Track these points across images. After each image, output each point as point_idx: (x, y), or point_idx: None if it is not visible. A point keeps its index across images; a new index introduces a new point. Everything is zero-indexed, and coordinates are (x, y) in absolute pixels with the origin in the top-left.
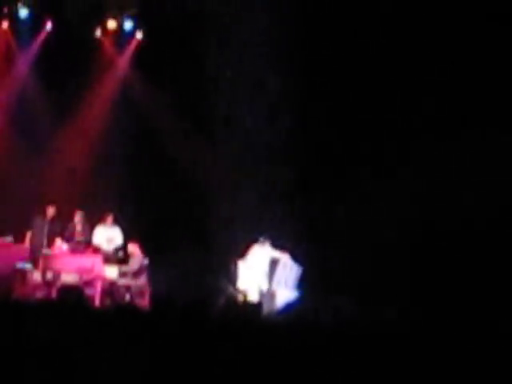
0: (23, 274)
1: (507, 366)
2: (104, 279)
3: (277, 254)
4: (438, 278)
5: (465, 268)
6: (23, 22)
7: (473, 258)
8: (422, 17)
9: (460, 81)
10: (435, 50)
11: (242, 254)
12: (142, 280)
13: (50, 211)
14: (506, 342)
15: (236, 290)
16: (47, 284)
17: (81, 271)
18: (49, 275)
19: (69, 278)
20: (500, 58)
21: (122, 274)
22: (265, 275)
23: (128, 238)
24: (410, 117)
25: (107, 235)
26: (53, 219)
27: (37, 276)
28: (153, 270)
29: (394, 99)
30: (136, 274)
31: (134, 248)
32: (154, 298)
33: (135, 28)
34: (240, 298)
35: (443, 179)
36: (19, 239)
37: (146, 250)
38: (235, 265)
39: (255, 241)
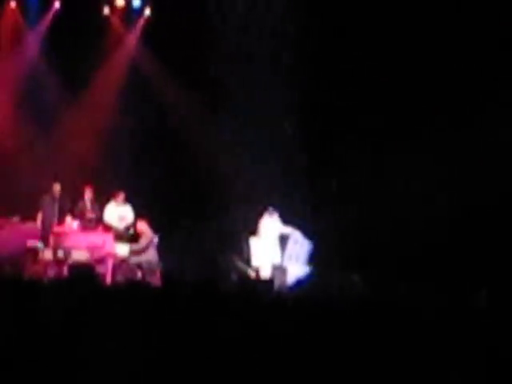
0: (34, 252)
1: None
2: (115, 257)
3: (287, 229)
4: (451, 254)
5: (479, 244)
6: (31, 0)
7: (490, 234)
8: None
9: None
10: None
11: (254, 230)
12: (153, 257)
13: (56, 188)
14: None
15: (248, 266)
16: (58, 262)
17: (92, 249)
18: (60, 253)
19: (80, 255)
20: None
21: (133, 253)
22: (276, 251)
23: (139, 215)
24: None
25: (119, 213)
26: (61, 196)
27: (48, 254)
28: (164, 247)
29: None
30: (143, 251)
31: (143, 226)
32: (165, 275)
33: (143, 5)
34: (252, 274)
35: (459, 159)
36: (30, 218)
37: (157, 227)
38: (247, 241)
39: (264, 211)
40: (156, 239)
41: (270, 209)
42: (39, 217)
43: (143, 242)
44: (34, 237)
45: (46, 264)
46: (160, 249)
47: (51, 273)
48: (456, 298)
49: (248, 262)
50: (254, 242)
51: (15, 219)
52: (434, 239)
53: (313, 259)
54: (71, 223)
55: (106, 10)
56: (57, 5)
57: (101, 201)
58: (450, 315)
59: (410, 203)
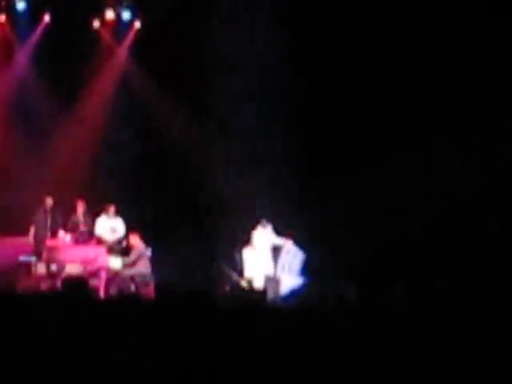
0: (28, 266)
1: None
2: (108, 270)
3: (280, 240)
4: (442, 263)
5: (470, 252)
6: (21, 14)
7: (475, 240)
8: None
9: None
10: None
11: (247, 240)
12: (146, 269)
13: (48, 201)
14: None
15: (241, 277)
16: (52, 276)
17: (85, 262)
18: (53, 267)
19: (73, 269)
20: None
21: (124, 266)
22: (269, 261)
23: (130, 227)
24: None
25: (110, 226)
26: (54, 210)
27: (41, 268)
28: (157, 259)
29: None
30: (133, 264)
31: (134, 239)
32: (158, 287)
33: (133, 18)
34: (244, 284)
35: (446, 165)
36: (23, 232)
37: (149, 240)
38: (240, 252)
39: (257, 223)
40: (149, 252)
41: (264, 221)
42: (32, 231)
43: (132, 256)
44: (26, 251)
45: (39, 278)
46: (153, 261)
47: (44, 287)
48: (449, 306)
49: (241, 273)
50: (246, 253)
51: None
52: (426, 247)
53: (306, 270)
54: (64, 237)
55: (96, 23)
56: (47, 18)
57: (93, 214)
58: (445, 324)
59: (402, 212)
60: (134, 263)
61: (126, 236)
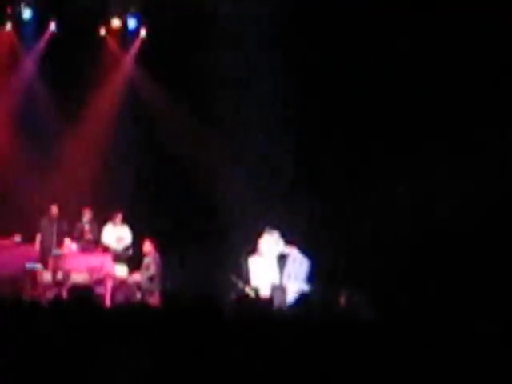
0: (33, 274)
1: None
2: (114, 278)
3: (286, 248)
4: (449, 271)
5: (472, 261)
6: (27, 22)
7: (482, 251)
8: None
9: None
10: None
11: (253, 249)
12: (156, 275)
13: (54, 210)
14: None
15: (247, 285)
16: (57, 284)
17: (91, 270)
18: (59, 275)
19: (79, 277)
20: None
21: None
22: (275, 269)
23: (139, 236)
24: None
25: (116, 234)
26: (59, 218)
27: (47, 276)
28: (163, 267)
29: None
30: (147, 267)
31: (147, 247)
32: (164, 295)
33: (139, 26)
34: (251, 293)
35: (451, 174)
36: (29, 240)
37: (157, 248)
38: (246, 260)
39: (264, 231)
40: (158, 259)
41: (270, 228)
42: (38, 239)
43: (152, 267)
44: (32, 259)
45: (45, 286)
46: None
47: (50, 295)
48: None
49: (247, 281)
50: (253, 261)
51: (17, 239)
52: (437, 254)
53: (312, 277)
54: (70, 245)
55: (102, 32)
56: (53, 26)
57: (99, 222)
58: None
59: (409, 218)
60: (146, 267)
61: (137, 243)
